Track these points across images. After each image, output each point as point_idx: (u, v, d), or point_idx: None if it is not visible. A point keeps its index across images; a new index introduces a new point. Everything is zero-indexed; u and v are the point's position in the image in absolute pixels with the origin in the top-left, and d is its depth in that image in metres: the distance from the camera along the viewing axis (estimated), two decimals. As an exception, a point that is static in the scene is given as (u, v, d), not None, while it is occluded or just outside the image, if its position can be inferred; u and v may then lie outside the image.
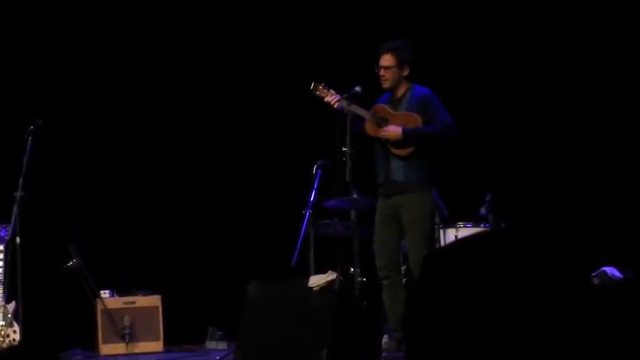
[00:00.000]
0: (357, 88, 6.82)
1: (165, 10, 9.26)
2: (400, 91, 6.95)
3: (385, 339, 6.97)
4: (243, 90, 9.28)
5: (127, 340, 8.06)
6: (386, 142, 6.84)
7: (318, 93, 6.91)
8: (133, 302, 8.23)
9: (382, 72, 6.89)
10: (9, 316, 7.38)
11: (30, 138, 7.50)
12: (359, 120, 6.88)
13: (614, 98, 8.87)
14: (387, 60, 6.89)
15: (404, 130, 6.74)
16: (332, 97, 6.83)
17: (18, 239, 7.35)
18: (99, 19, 9.08)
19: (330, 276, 6.33)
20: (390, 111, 6.89)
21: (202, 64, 9.28)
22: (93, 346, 8.14)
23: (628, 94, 8.82)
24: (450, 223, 7.93)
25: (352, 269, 7.25)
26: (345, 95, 6.80)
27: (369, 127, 6.88)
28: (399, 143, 6.79)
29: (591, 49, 8.92)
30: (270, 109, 9.19)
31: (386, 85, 6.92)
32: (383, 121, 6.85)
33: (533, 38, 9.07)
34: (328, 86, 6.90)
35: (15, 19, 8.86)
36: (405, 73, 6.91)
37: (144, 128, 9.11)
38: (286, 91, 8.91)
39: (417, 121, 6.80)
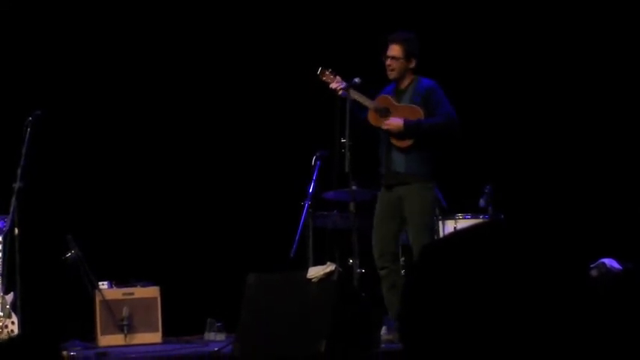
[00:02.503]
0: (357, 80, 6.81)
1: (164, 3, 9.24)
2: (404, 83, 6.92)
3: (384, 330, 6.98)
4: (241, 81, 9.27)
5: (125, 332, 8.05)
6: (388, 134, 6.83)
7: (324, 79, 6.89)
8: (132, 293, 8.21)
9: (389, 62, 6.86)
10: (7, 307, 7.38)
11: (29, 129, 7.48)
12: (362, 109, 6.87)
13: (613, 92, 8.87)
14: (395, 50, 6.85)
15: (405, 123, 6.72)
16: (337, 84, 6.82)
17: (16, 230, 7.34)
18: (99, 13, 9.06)
19: (329, 267, 6.33)
20: (393, 102, 6.87)
21: (200, 57, 9.26)
22: (91, 338, 8.13)
23: (627, 89, 8.82)
24: (449, 214, 7.93)
25: (351, 261, 7.25)
26: (344, 86, 6.78)
27: (372, 117, 6.87)
28: (399, 135, 6.77)
29: (590, 44, 8.92)
30: (269, 100, 9.18)
31: (392, 75, 6.89)
32: (385, 111, 6.83)
33: (532, 32, 9.06)
34: (335, 73, 6.88)
35: (15, 11, 8.84)
36: (412, 65, 6.88)
37: (142, 120, 9.11)
38: (285, 83, 8.90)
39: (418, 113, 6.78)
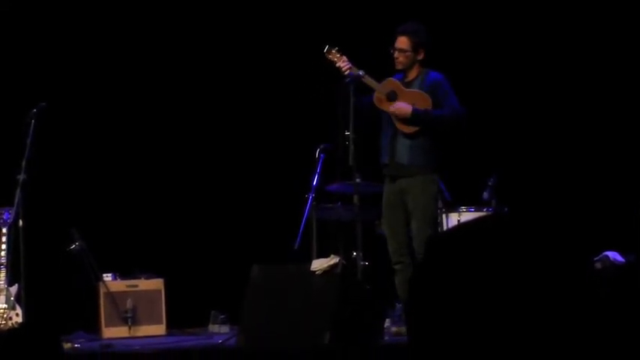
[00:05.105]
0: (361, 72, 6.78)
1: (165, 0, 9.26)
2: (412, 75, 6.86)
3: (387, 322, 6.99)
4: (245, 75, 9.26)
5: (129, 324, 8.07)
6: (393, 117, 6.77)
7: (330, 57, 6.85)
8: (136, 285, 8.23)
9: (396, 54, 6.82)
10: (12, 298, 7.39)
11: (33, 121, 7.49)
12: (367, 94, 6.83)
13: (615, 87, 8.87)
14: (402, 42, 6.81)
15: (413, 110, 6.68)
16: (344, 63, 6.79)
17: (21, 222, 7.36)
18: (103, 5, 9.07)
19: (333, 260, 6.34)
20: (401, 86, 6.82)
21: (204, 51, 9.26)
22: (95, 329, 8.14)
23: (628, 85, 8.83)
24: (453, 207, 7.92)
25: (355, 253, 7.25)
26: (347, 80, 6.76)
27: (378, 99, 6.81)
28: (405, 121, 6.72)
29: (592, 40, 8.92)
30: (273, 93, 9.18)
31: (399, 67, 6.85)
32: (392, 95, 6.79)
33: (537, 26, 9.06)
34: (342, 52, 6.86)
35: (18, 4, 8.84)
36: (420, 57, 6.83)
37: (147, 112, 9.11)
38: (289, 75, 8.90)
39: (427, 101, 6.72)
